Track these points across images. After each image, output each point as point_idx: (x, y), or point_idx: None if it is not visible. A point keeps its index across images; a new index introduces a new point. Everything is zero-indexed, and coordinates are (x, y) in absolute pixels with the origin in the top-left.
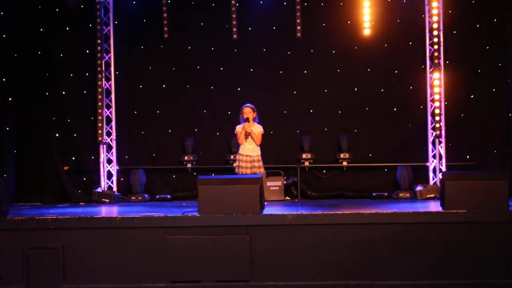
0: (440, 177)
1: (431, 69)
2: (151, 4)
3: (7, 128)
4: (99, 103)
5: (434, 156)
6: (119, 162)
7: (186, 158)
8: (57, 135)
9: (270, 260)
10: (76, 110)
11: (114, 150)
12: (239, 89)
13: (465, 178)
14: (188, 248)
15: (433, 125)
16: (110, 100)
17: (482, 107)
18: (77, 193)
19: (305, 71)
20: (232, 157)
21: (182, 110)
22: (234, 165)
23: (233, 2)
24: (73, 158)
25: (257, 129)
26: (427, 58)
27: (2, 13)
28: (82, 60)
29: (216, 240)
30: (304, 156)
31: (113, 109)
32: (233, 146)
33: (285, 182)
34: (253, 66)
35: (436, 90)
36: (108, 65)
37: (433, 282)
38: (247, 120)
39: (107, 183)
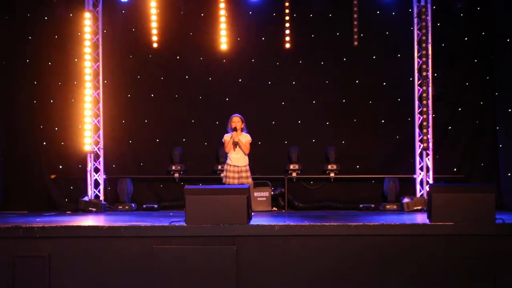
0: (427, 189)
1: (419, 82)
2: (140, 13)
3: None
4: (87, 112)
5: (421, 169)
6: (106, 171)
7: (173, 167)
8: (44, 143)
9: (257, 271)
10: (64, 118)
11: (101, 159)
12: (227, 99)
13: (452, 191)
14: (175, 258)
15: (420, 137)
16: (98, 109)
17: (470, 120)
18: (64, 202)
19: (294, 82)
20: (219, 167)
21: (170, 120)
22: (222, 175)
23: (222, 12)
24: (61, 166)
25: (245, 138)
26: (416, 71)
27: None
28: (70, 69)
29: (203, 250)
30: (291, 167)
31: (101, 118)
32: (221, 156)
33: (272, 192)
34: (242, 77)
35: (424, 102)
36: (96, 73)
37: None
38: (235, 129)
39: (94, 192)
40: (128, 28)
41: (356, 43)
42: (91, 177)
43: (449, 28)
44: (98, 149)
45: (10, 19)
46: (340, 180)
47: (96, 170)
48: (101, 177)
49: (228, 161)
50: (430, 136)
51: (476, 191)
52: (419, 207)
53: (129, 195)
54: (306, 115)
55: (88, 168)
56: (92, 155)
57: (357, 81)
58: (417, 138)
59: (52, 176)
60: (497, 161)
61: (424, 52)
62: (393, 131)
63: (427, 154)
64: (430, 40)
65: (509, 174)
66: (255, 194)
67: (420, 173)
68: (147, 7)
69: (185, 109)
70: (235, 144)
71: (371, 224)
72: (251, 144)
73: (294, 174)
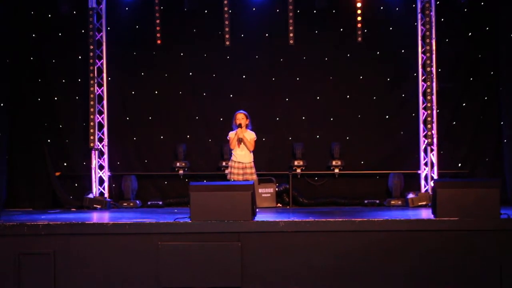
0: (432, 184)
1: (423, 77)
2: (144, 10)
3: None
4: (91, 109)
5: (426, 164)
6: (111, 168)
7: (178, 164)
8: (49, 140)
9: (261, 267)
10: (68, 115)
11: (106, 156)
12: (231, 95)
13: (456, 186)
14: (180, 255)
15: (425, 133)
16: (102, 106)
17: (474, 115)
18: (68, 199)
19: (298, 78)
20: (224, 163)
21: (174, 117)
22: (226, 171)
23: (226, 8)
24: (65, 164)
25: (250, 135)
26: (420, 66)
27: None
28: (74, 66)
29: (208, 247)
30: (296, 163)
31: (105, 115)
32: (225, 152)
33: (277, 189)
34: (246, 73)
35: (428, 98)
36: (100, 71)
37: None
38: (239, 126)
39: (99, 189)
40: (131, 25)
41: (360, 39)
42: (95, 174)
43: (453, 23)
44: (103, 146)
45: (13, 17)
46: (344, 176)
47: (101, 167)
48: (105, 174)
49: (233, 157)
50: (434, 131)
51: (481, 186)
52: (423, 203)
53: (134, 192)
54: (311, 111)
55: (93, 165)
56: (96, 152)
57: (361, 77)
58: (422, 134)
59: (57, 174)
60: (502, 156)
61: (428, 47)
62: (397, 127)
63: (432, 150)
64: (434, 36)
65: None
66: (260, 190)
67: (424, 169)
68: (151, 4)
69: (189, 106)
70: (240, 140)
71: (376, 219)
72: (255, 141)
73: (298, 170)
